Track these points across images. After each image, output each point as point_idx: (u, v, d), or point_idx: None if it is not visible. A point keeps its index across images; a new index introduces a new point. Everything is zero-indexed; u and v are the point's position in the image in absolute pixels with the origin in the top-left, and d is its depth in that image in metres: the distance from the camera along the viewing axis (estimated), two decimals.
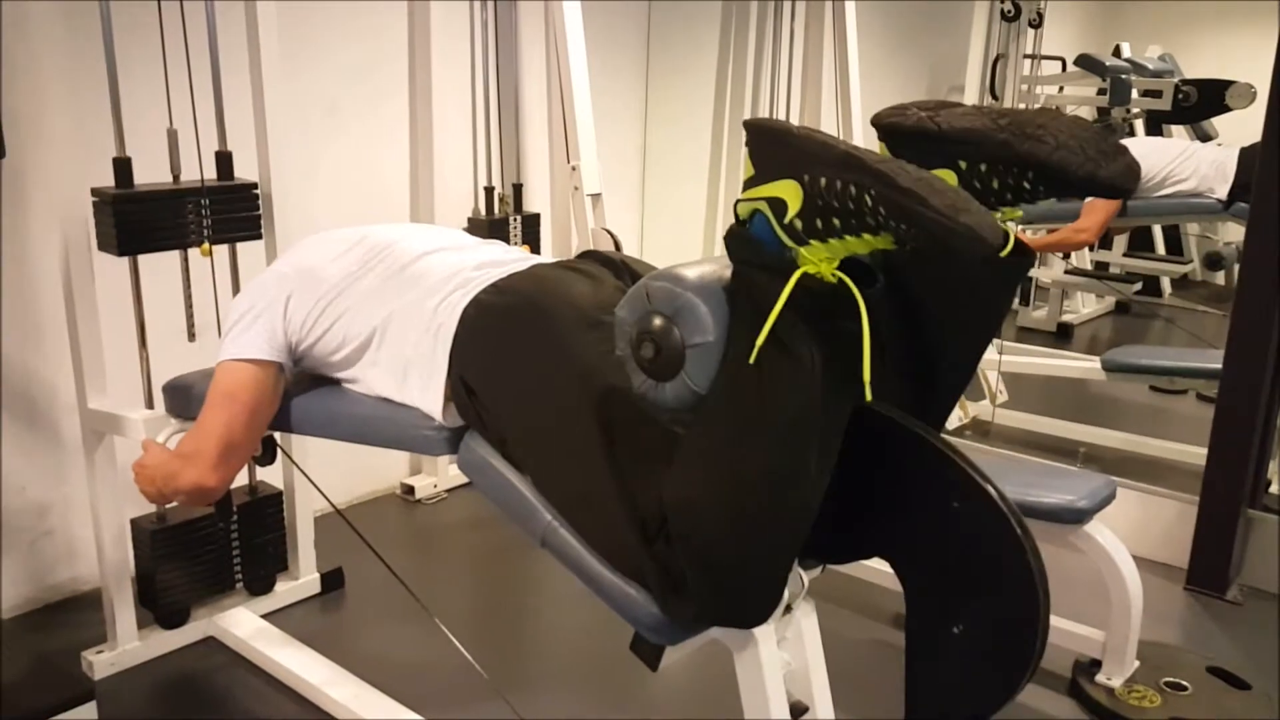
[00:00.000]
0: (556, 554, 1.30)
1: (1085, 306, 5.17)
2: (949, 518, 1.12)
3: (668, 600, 1.19)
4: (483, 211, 3.07)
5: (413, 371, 1.45)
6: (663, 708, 2.12)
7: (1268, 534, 2.67)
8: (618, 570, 1.23)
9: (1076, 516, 2.12)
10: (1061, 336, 4.96)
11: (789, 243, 1.06)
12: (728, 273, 1.13)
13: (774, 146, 1.08)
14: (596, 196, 2.83)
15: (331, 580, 2.50)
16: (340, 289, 1.56)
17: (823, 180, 1.01)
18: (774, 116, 3.96)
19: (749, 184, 1.10)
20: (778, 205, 1.06)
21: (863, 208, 0.99)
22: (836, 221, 1.02)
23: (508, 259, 1.54)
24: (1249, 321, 2.48)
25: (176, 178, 2.07)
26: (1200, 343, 4.65)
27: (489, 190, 3.07)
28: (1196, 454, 3.31)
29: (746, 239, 1.10)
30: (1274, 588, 2.64)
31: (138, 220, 1.97)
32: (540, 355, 1.30)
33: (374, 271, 1.55)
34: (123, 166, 1.98)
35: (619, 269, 1.45)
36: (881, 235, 1.02)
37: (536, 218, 3.13)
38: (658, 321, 1.12)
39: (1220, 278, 5.92)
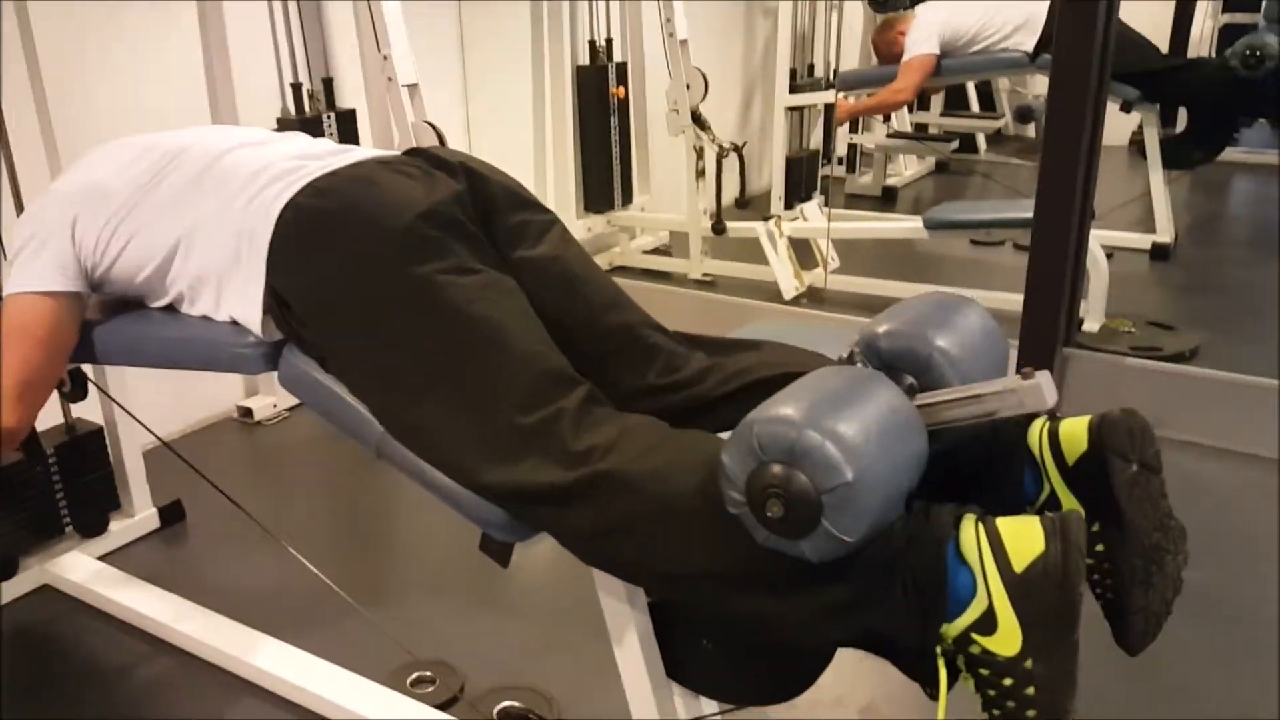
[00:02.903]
0: (394, 463, 1.26)
1: (907, 169, 5.32)
2: None
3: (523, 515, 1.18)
4: (292, 110, 2.89)
5: (227, 283, 1.36)
6: (523, 605, 2.13)
7: (1082, 369, 2.85)
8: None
9: None
10: (887, 200, 5.11)
11: None
12: (839, 381, 1.02)
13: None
14: (413, 87, 2.70)
15: (170, 514, 2.40)
16: (132, 204, 1.44)
17: None
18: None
19: None
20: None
21: None
22: None
23: (320, 150, 1.43)
24: (1055, 170, 2.59)
25: None
26: (1015, 194, 4.86)
27: (296, 87, 2.88)
28: (1009, 300, 3.50)
29: None
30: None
31: None
32: (365, 273, 1.21)
33: (169, 179, 1.43)
34: None
35: (454, 170, 1.35)
36: None
37: (352, 114, 2.97)
38: (776, 470, 0.95)
39: (1031, 130, 6.19)
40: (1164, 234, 4.20)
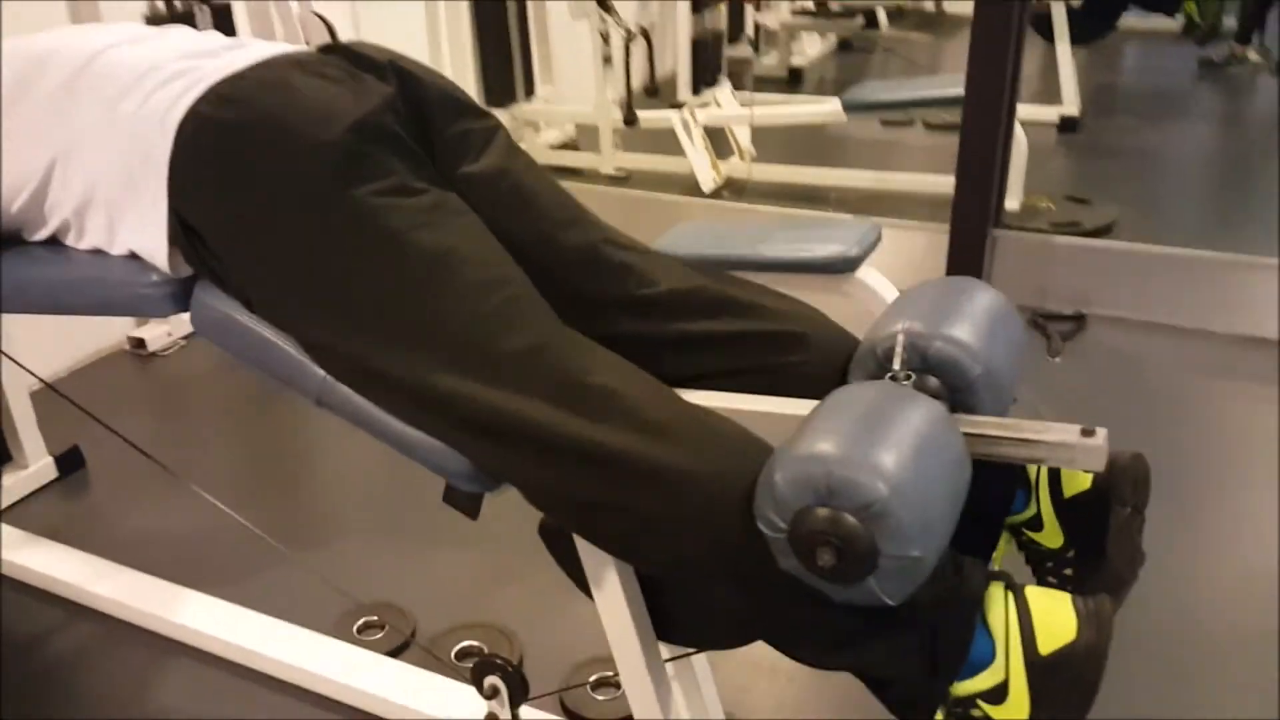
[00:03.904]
0: (339, 412, 1.11)
1: (811, 48, 5.18)
2: None
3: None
4: (160, 5, 2.60)
5: (120, 209, 1.17)
6: (465, 537, 2.01)
7: (1009, 249, 2.82)
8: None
9: (849, 265, 2.12)
10: (793, 82, 4.98)
11: None
12: (896, 412, 0.93)
13: None
14: None
15: (68, 461, 2.20)
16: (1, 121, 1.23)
17: None
18: None
19: None
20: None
21: None
22: None
23: (212, 45, 1.23)
24: (986, 51, 2.49)
25: None
26: (922, 71, 4.79)
27: None
28: (933, 182, 3.44)
29: None
30: (1019, 299, 2.80)
31: None
32: (291, 198, 1.04)
33: (35, 88, 1.22)
34: None
35: (383, 71, 1.16)
36: None
37: (227, 9, 2.69)
38: (850, 522, 0.86)
39: (930, 3, 6.10)
40: (1071, 106, 4.18)
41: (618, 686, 1.60)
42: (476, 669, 1.44)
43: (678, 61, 4.24)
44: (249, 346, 1.14)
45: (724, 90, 3.89)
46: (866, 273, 2.16)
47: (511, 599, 1.82)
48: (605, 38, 3.65)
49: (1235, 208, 3.48)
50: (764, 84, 4.85)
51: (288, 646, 1.66)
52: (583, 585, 1.21)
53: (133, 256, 1.19)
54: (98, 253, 1.23)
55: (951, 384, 1.04)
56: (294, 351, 1.11)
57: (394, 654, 1.68)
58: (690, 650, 1.27)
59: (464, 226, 1.09)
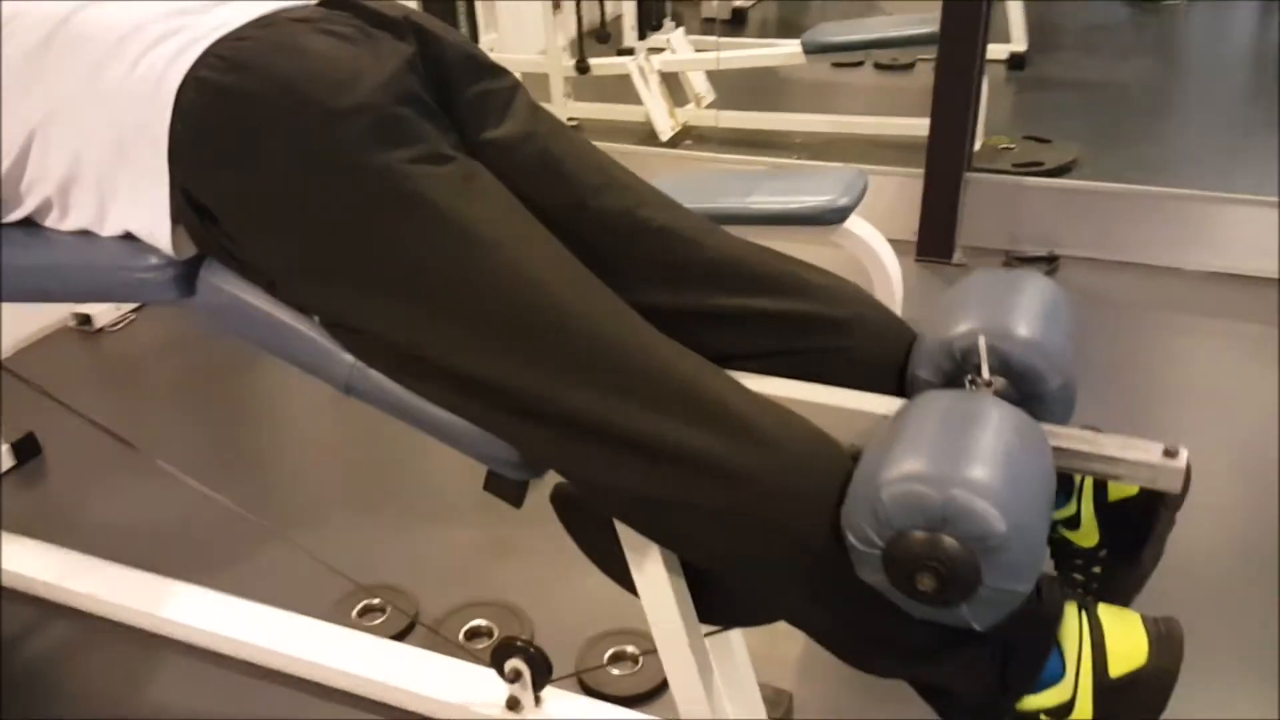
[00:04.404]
0: (370, 400, 1.04)
1: None
2: None
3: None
4: None
5: (112, 185, 1.06)
6: (460, 511, 1.95)
7: (981, 192, 2.80)
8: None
9: (840, 215, 2.08)
10: (737, 23, 4.88)
11: None
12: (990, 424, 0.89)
13: None
14: None
15: (25, 449, 2.07)
16: None
17: None
18: None
19: None
20: None
21: None
22: None
23: (194, 3, 1.11)
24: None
25: None
26: (862, 9, 4.73)
27: None
28: (899, 124, 3.41)
29: None
30: (991, 243, 2.80)
31: None
32: (318, 169, 0.95)
33: (2, 52, 1.10)
34: None
35: (400, 29, 1.06)
36: None
37: None
38: (961, 552, 0.82)
39: None
40: (1019, 43, 4.16)
41: (634, 661, 1.56)
42: (497, 652, 1.39)
43: (622, 6, 4.13)
44: (268, 332, 1.05)
45: (678, 34, 3.79)
46: (855, 223, 2.12)
47: (514, 574, 1.76)
48: None
49: (1189, 141, 3.51)
50: (710, 26, 4.75)
51: (287, 635, 1.58)
52: (598, 558, 1.16)
53: (127, 238, 1.09)
54: (85, 234, 1.12)
55: (1026, 392, 1.00)
56: (319, 336, 1.04)
57: (398, 637, 1.62)
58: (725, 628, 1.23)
59: (503, 199, 1.01)
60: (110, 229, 1.10)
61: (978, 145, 3.15)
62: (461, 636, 1.62)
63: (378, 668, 1.52)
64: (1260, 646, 1.49)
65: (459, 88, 1.08)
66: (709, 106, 3.57)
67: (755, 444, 0.93)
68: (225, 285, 1.05)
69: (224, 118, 0.98)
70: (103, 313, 2.57)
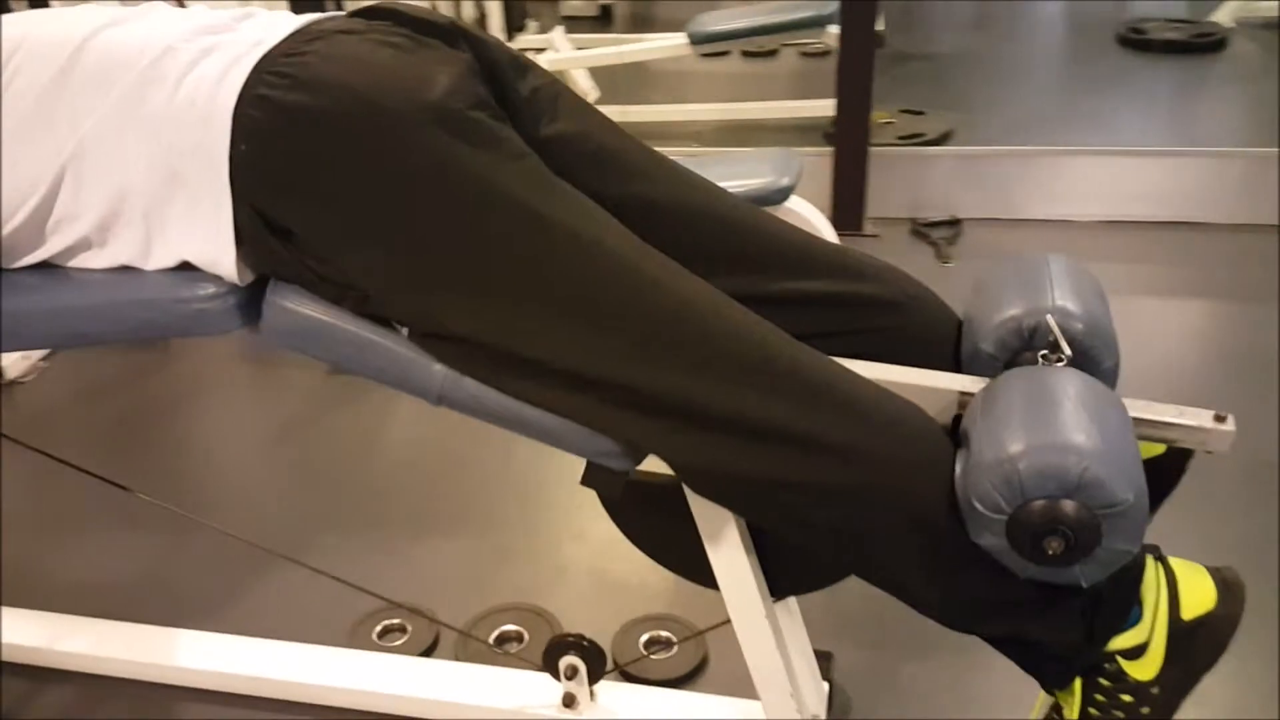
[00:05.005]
0: (462, 408, 1.03)
1: None
2: None
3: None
4: None
5: (162, 215, 1.02)
6: (460, 520, 1.94)
7: (883, 166, 2.93)
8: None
9: (783, 195, 2.16)
10: (604, 20, 4.92)
11: None
12: (1080, 394, 0.96)
13: None
14: None
15: None
16: None
17: None
18: None
19: None
20: None
21: None
22: None
23: (217, 21, 1.08)
24: None
25: None
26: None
27: None
28: (786, 108, 3.53)
29: None
30: (897, 213, 2.94)
31: None
32: (412, 179, 0.94)
33: (13, 88, 1.03)
34: None
35: (450, 36, 1.05)
36: None
37: None
38: (1092, 518, 0.89)
39: None
40: (878, 22, 4.34)
41: (669, 645, 1.58)
42: (550, 651, 1.40)
43: (486, 6, 4.10)
44: (350, 350, 1.04)
45: (557, 32, 3.80)
46: (795, 201, 2.21)
47: (522, 578, 1.76)
48: None
49: (1046, 102, 3.75)
50: (577, 24, 4.77)
51: (319, 668, 1.54)
52: (645, 542, 1.20)
53: (182, 267, 1.04)
54: (121, 270, 1.07)
55: (1085, 369, 1.07)
56: (405, 349, 1.02)
57: (426, 654, 1.60)
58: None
59: (580, 195, 1.02)
60: (157, 261, 1.05)
61: None
62: (492, 641, 1.60)
63: (422, 685, 1.49)
64: (1259, 646, 1.55)
65: (512, 88, 1.08)
66: (597, 103, 3.59)
67: (867, 421, 0.97)
68: (299, 306, 1.03)
69: (300, 136, 0.96)
70: (11, 363, 2.41)
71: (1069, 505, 0.89)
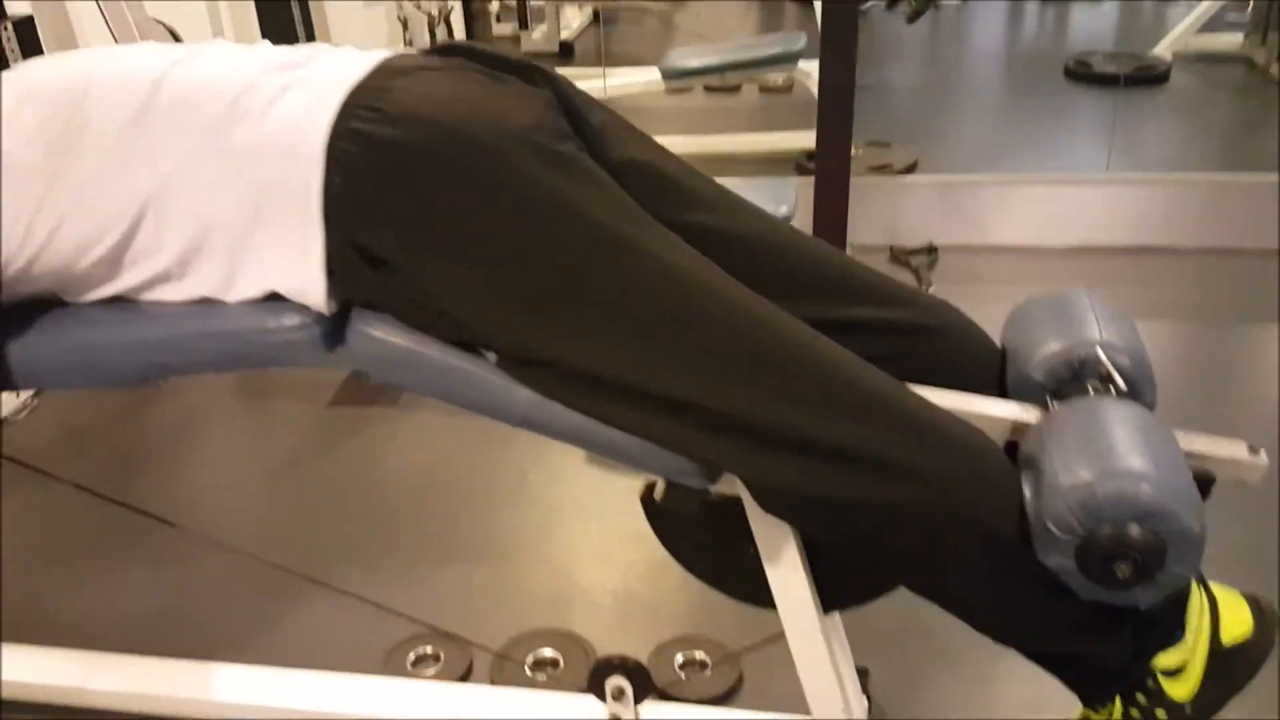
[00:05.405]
0: (545, 429, 1.06)
1: (574, 21, 5.20)
2: None
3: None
4: None
5: (244, 249, 1.04)
6: (473, 554, 1.95)
7: (863, 194, 3.01)
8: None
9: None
10: (564, 55, 4.98)
11: None
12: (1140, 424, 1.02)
13: None
14: None
15: None
16: (49, 169, 1.04)
17: None
18: None
19: None
20: None
21: None
22: None
23: (291, 57, 1.11)
24: (840, 12, 2.65)
25: None
26: (681, 34, 4.94)
27: None
28: (758, 140, 3.61)
29: None
30: (876, 240, 3.02)
31: None
32: (509, 209, 0.98)
33: (91, 127, 1.05)
34: None
35: (526, 72, 1.10)
36: None
37: (30, 22, 2.36)
38: (1162, 544, 0.94)
39: None
40: None
41: (703, 666, 1.61)
42: (596, 672, 1.42)
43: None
44: (435, 375, 1.07)
45: None
46: None
47: (549, 603, 1.78)
48: (405, 24, 3.51)
49: (1001, 131, 3.90)
50: (537, 59, 4.82)
51: (367, 698, 1.52)
52: (693, 562, 1.24)
53: (269, 298, 1.06)
54: (199, 303, 1.09)
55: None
56: (489, 374, 1.05)
57: (463, 680, 1.61)
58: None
59: (657, 223, 1.06)
60: (240, 293, 1.07)
61: None
62: (528, 671, 1.62)
63: (470, 711, 1.49)
64: None
65: (585, 120, 1.13)
66: None
67: (941, 443, 1.02)
68: (386, 335, 1.06)
69: (395, 168, 0.99)
70: (4, 400, 2.37)
71: (1139, 531, 0.94)
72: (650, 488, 1.15)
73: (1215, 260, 2.82)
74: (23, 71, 1.13)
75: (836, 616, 1.44)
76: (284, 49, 1.16)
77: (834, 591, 1.23)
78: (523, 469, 2.15)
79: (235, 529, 2.05)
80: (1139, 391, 1.12)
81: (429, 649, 1.66)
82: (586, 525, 1.99)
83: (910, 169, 3.37)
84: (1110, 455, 0.97)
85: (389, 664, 1.63)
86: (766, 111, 4.35)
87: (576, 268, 0.99)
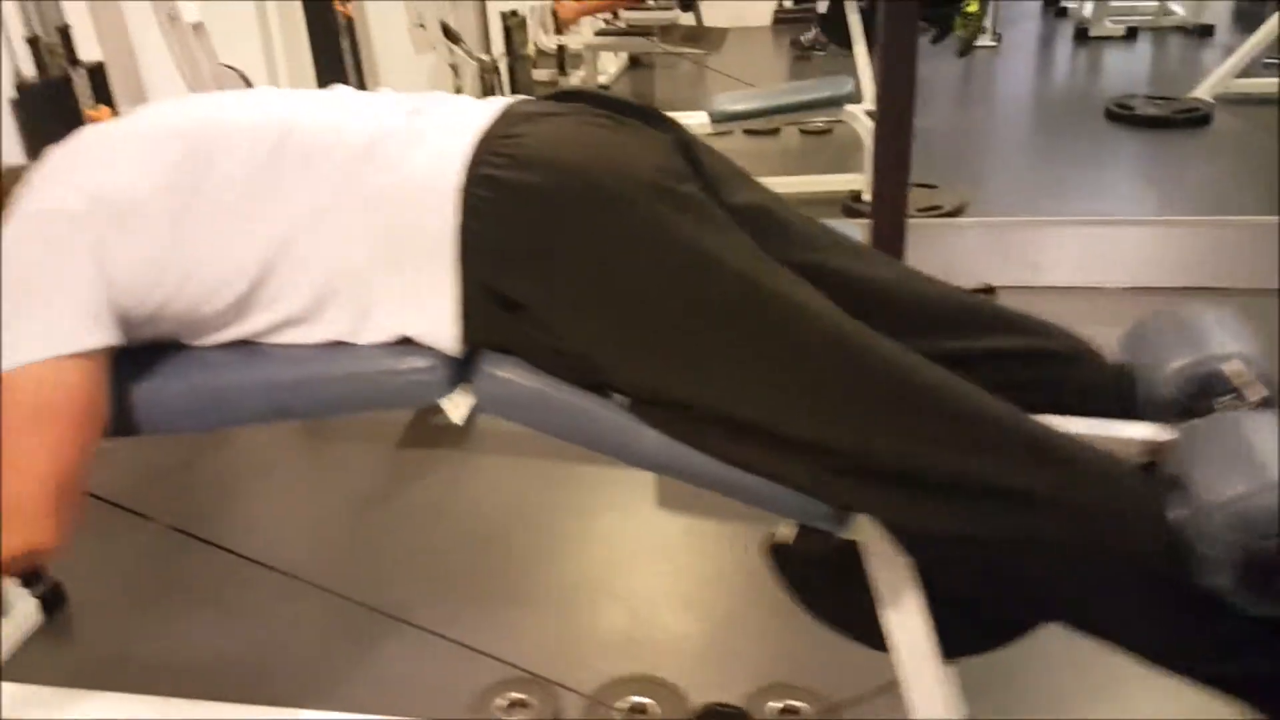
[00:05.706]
0: (673, 474, 1.06)
1: (611, 67, 5.27)
2: None
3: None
4: (31, 69, 2.28)
5: (377, 293, 1.05)
6: (540, 598, 1.93)
7: (918, 236, 3.01)
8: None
9: None
10: None
11: None
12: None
13: None
14: (199, 26, 2.24)
15: (52, 600, 1.89)
16: (179, 211, 1.05)
17: None
18: None
19: None
20: None
21: None
22: None
23: (412, 104, 1.13)
24: (896, 54, 2.66)
25: None
26: (719, 78, 4.99)
27: (33, 41, 2.27)
28: (809, 182, 3.63)
29: None
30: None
31: None
32: (643, 254, 0.99)
33: (219, 169, 1.06)
34: None
35: (649, 118, 1.11)
36: None
37: (100, 68, 2.40)
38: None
39: (691, 18, 6.35)
40: (871, 102, 4.50)
41: (796, 712, 1.59)
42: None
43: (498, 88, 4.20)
44: (564, 418, 1.06)
45: None
46: None
47: (630, 648, 1.76)
48: (455, 70, 3.56)
49: (1048, 173, 3.90)
50: None
51: None
52: (818, 607, 1.21)
53: (401, 341, 1.07)
54: (329, 346, 1.09)
55: None
56: (618, 416, 1.05)
57: None
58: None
59: (779, 268, 1.06)
60: (370, 337, 1.08)
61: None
62: (620, 715, 1.60)
63: None
64: None
65: (703, 164, 1.13)
66: None
67: (1084, 474, 1.01)
68: (515, 377, 1.05)
69: (530, 213, 1.00)
70: None
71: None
72: (771, 535, 1.14)
73: (1267, 301, 2.80)
74: (148, 115, 1.15)
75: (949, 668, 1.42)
76: (405, 96, 1.17)
77: (954, 639, 1.20)
78: (594, 511, 2.13)
79: (313, 570, 2.04)
80: (1270, 404, 1.11)
81: (519, 694, 1.64)
82: (660, 568, 1.98)
83: (959, 210, 3.37)
84: (1262, 468, 0.95)
85: (479, 709, 1.61)
86: (808, 154, 4.39)
87: (701, 308, 0.99)
